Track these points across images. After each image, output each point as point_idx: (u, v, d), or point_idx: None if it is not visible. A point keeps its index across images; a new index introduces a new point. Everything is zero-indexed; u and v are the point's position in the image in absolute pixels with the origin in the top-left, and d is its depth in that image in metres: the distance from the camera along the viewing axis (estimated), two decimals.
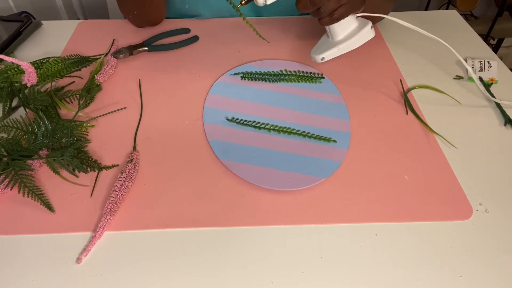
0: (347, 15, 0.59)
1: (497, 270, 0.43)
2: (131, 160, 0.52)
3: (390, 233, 0.46)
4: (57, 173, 0.50)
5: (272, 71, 0.67)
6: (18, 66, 0.59)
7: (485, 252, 0.45)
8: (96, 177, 0.51)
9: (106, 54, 0.70)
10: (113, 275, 0.42)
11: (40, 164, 0.52)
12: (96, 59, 0.69)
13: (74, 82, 0.65)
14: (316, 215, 0.48)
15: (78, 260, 0.43)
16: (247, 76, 0.67)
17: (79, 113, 0.58)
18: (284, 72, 0.67)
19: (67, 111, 0.60)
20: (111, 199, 0.47)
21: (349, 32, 0.63)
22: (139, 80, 0.66)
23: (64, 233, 0.46)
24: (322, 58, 0.64)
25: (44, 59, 0.65)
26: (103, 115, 0.60)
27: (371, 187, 0.51)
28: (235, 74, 0.67)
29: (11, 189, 0.49)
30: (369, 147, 0.56)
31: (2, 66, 0.61)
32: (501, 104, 0.62)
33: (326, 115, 0.60)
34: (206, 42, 0.75)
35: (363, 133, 0.58)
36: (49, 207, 0.48)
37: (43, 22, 0.80)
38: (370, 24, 0.62)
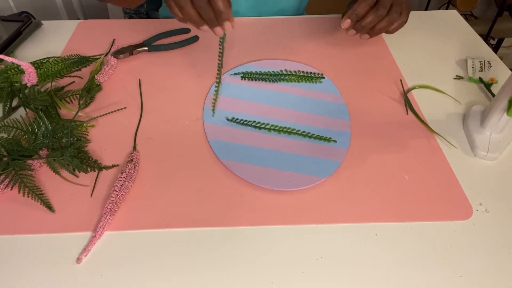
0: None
1: (497, 270, 0.44)
2: (131, 160, 0.52)
3: (390, 233, 0.46)
4: (57, 173, 0.50)
5: (272, 71, 0.67)
6: (18, 66, 0.59)
7: (485, 252, 0.45)
8: (96, 177, 0.51)
9: (106, 54, 0.70)
10: (113, 275, 0.42)
11: (40, 164, 0.52)
12: (96, 59, 0.69)
13: (74, 82, 0.65)
14: (316, 215, 0.48)
15: (78, 260, 0.43)
16: (247, 76, 0.67)
17: (79, 113, 0.58)
18: (284, 72, 0.67)
19: (67, 111, 0.60)
20: (111, 199, 0.47)
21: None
22: (139, 80, 0.66)
23: (64, 233, 0.46)
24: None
25: (44, 59, 0.65)
26: (103, 115, 0.60)
27: (371, 187, 0.51)
28: (235, 74, 0.67)
29: (11, 189, 0.49)
30: (369, 147, 0.56)
31: (2, 66, 0.61)
32: None
33: (326, 115, 0.60)
34: (206, 42, 0.75)
35: (363, 133, 0.58)
36: (49, 207, 0.48)
37: (43, 22, 0.80)
38: None
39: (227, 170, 0.52)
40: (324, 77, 0.67)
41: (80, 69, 0.67)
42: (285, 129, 0.58)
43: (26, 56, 0.72)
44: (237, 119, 0.59)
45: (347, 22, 0.58)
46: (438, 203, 0.49)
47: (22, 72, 0.59)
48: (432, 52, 0.74)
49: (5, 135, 0.52)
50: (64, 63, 0.65)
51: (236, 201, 0.49)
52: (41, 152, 0.52)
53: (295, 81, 0.66)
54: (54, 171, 0.50)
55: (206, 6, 0.50)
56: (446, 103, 0.63)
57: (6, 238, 0.45)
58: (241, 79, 0.66)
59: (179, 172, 0.52)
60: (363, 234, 0.46)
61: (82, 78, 0.66)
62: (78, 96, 0.61)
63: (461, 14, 0.86)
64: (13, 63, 0.57)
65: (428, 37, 0.78)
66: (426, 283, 0.42)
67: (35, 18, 0.79)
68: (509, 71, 0.68)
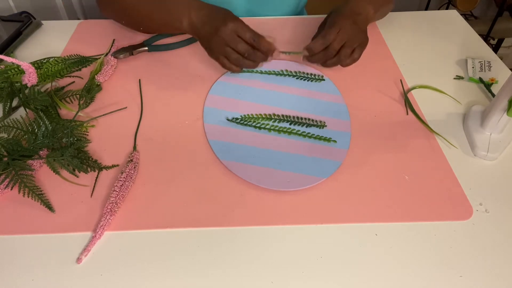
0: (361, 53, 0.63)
1: (497, 270, 0.44)
2: (131, 160, 0.52)
3: (390, 233, 0.46)
4: (57, 173, 0.50)
5: (272, 71, 0.67)
6: (18, 66, 0.59)
7: (485, 252, 0.45)
8: (96, 177, 0.51)
9: (106, 54, 0.70)
10: (113, 275, 0.42)
11: (40, 164, 0.52)
12: (96, 59, 0.69)
13: (74, 82, 0.65)
14: (316, 215, 0.48)
15: (78, 260, 0.43)
16: (247, 76, 0.66)
17: (79, 113, 0.58)
18: (284, 72, 0.67)
19: (67, 111, 0.60)
20: (111, 199, 0.47)
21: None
22: (139, 80, 0.66)
23: (64, 233, 0.46)
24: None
25: (44, 59, 0.65)
26: (103, 115, 0.60)
27: (371, 187, 0.51)
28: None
29: (11, 189, 0.49)
30: (369, 147, 0.56)
31: (2, 66, 0.61)
32: None
33: (326, 115, 0.60)
34: None
35: (363, 133, 0.58)
36: (49, 207, 0.48)
37: (43, 22, 0.80)
38: None
39: (227, 170, 0.52)
40: (324, 79, 0.67)
41: (80, 69, 0.67)
42: (285, 129, 0.58)
43: (26, 56, 0.72)
44: (237, 119, 0.59)
45: (305, 54, 0.63)
46: (438, 203, 0.49)
47: (22, 72, 0.59)
48: (432, 52, 0.74)
49: (5, 135, 0.52)
50: (64, 63, 0.65)
51: (236, 201, 0.49)
52: (41, 152, 0.52)
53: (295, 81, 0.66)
54: (54, 171, 0.50)
55: (251, 51, 0.60)
56: (446, 103, 0.63)
57: (6, 238, 0.45)
58: (241, 79, 0.66)
59: (179, 172, 0.52)
60: (363, 234, 0.46)
61: (82, 78, 0.66)
62: (78, 96, 0.61)
63: (461, 14, 0.86)
64: (13, 63, 0.57)
65: (428, 37, 0.78)
66: (426, 283, 0.42)
67: (35, 18, 0.79)
68: (509, 71, 0.68)
